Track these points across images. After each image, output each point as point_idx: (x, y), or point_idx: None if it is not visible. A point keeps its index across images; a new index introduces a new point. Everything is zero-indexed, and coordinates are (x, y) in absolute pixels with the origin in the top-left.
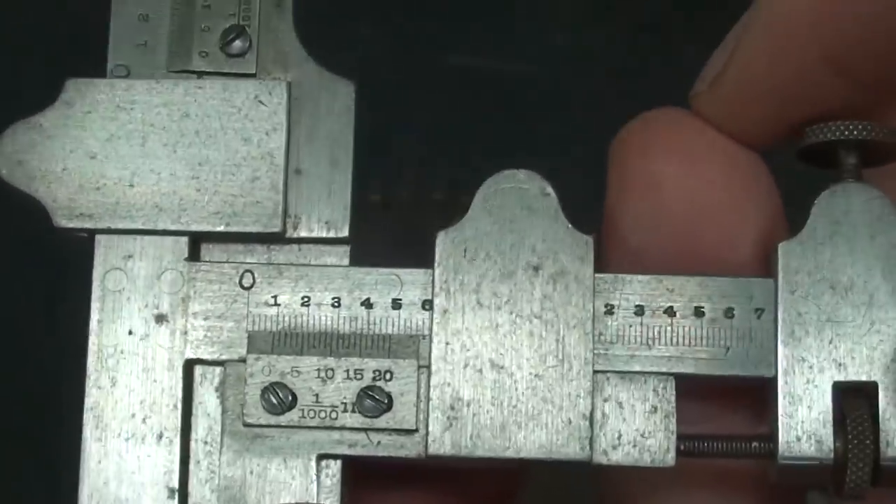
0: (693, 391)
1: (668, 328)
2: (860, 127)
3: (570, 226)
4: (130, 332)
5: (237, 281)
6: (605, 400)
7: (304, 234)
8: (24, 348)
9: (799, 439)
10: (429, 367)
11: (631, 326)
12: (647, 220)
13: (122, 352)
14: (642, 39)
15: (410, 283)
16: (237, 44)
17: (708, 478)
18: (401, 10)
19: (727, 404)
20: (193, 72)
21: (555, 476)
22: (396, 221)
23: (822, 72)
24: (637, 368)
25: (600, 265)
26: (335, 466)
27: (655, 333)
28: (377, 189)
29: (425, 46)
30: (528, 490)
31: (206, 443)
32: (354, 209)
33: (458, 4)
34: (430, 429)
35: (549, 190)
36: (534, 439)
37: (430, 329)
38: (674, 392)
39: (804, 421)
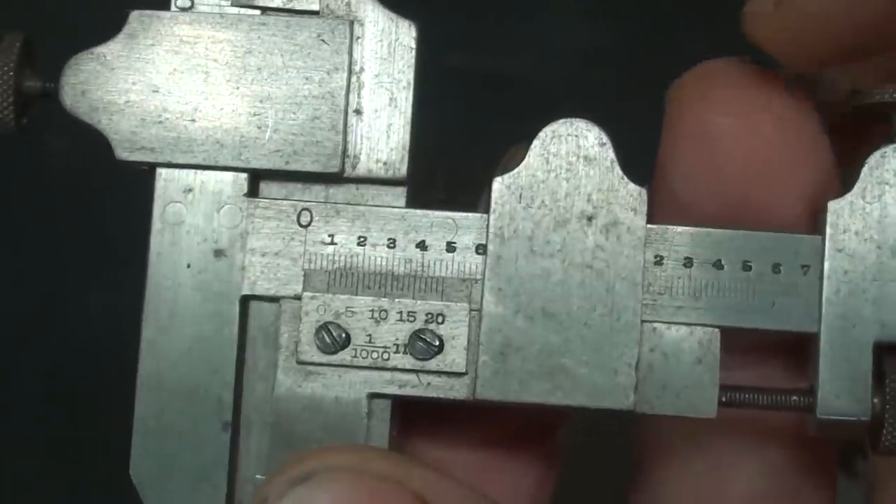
0: (732, 344)
1: (716, 281)
2: None
3: (623, 176)
4: (188, 266)
5: (295, 219)
6: (651, 350)
7: (362, 173)
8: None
9: (838, 396)
10: (480, 311)
11: (679, 278)
12: (699, 173)
13: (179, 285)
14: (644, 39)
15: (465, 227)
16: None
17: (745, 429)
18: (401, 8)
19: (762, 357)
20: (257, 7)
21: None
22: None
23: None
24: (683, 320)
25: (650, 216)
26: (385, 405)
27: (703, 286)
28: (440, 189)
29: (425, 45)
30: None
31: (259, 378)
32: (413, 151)
33: (458, 4)
34: (480, 372)
35: (606, 139)
36: (580, 387)
37: (483, 274)
38: (719, 344)
39: (844, 377)
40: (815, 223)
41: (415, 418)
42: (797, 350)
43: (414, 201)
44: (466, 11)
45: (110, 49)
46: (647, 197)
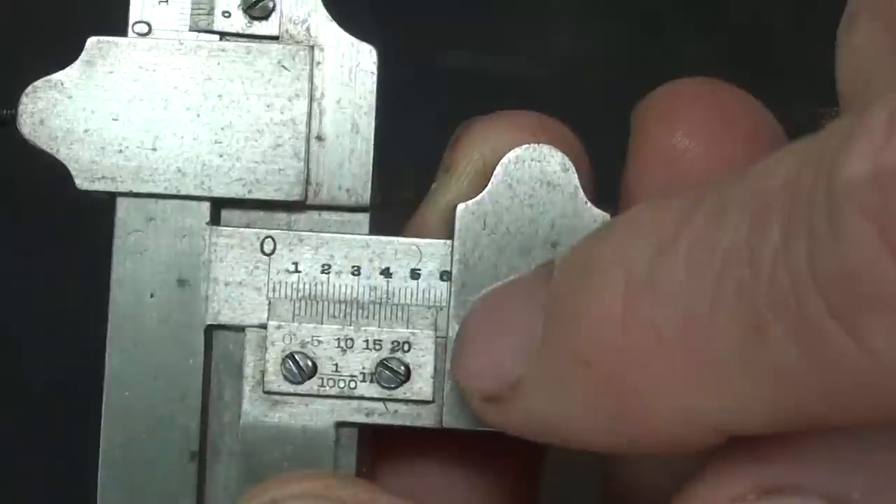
0: None
1: None
2: None
3: (588, 202)
4: (152, 296)
5: (258, 247)
6: None
7: (325, 200)
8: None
9: None
10: (446, 338)
11: None
12: (664, 192)
13: (143, 315)
14: (643, 40)
15: (430, 254)
16: (261, 5)
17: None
18: (399, 10)
19: None
20: (215, 32)
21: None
22: (396, 222)
23: None
24: None
25: None
26: (352, 433)
27: None
28: (376, 189)
29: (423, 46)
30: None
31: (226, 408)
32: (375, 177)
33: (458, 4)
34: (446, 400)
35: (569, 165)
36: None
37: (448, 301)
38: None
39: None
40: None
41: (386, 444)
42: None
43: (377, 228)
44: (466, 12)
45: (68, 76)
46: None
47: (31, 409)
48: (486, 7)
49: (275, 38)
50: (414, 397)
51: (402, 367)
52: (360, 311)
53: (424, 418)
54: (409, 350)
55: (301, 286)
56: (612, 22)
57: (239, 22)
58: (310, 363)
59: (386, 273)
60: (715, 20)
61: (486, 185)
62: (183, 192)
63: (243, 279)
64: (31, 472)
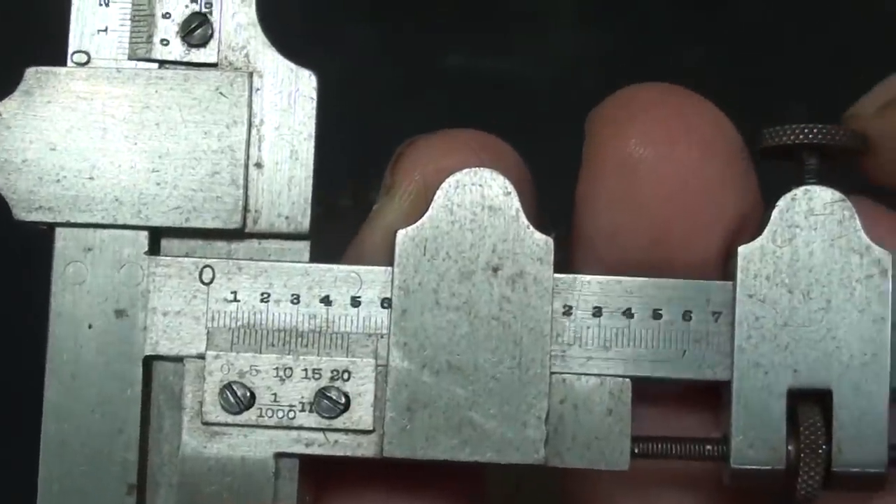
0: (652, 393)
1: (626, 330)
2: (822, 130)
3: (529, 226)
4: (90, 326)
5: (197, 276)
6: (561, 402)
7: (264, 228)
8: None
9: (752, 445)
10: (386, 366)
11: (589, 328)
12: (621, 203)
13: (81, 346)
14: (643, 40)
15: (370, 281)
16: (199, 32)
17: (665, 477)
18: (399, 10)
19: (685, 406)
20: (154, 60)
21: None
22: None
23: None
24: (594, 370)
25: (568, 248)
26: (293, 464)
27: (613, 335)
28: (377, 189)
29: (422, 47)
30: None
31: (165, 439)
32: (315, 204)
33: (457, 4)
34: (387, 429)
35: (511, 189)
36: (489, 442)
37: (389, 328)
38: (630, 394)
39: (758, 426)
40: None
41: (329, 473)
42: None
43: (317, 256)
44: (465, 12)
45: (6, 107)
46: (556, 245)
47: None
48: (485, 7)
49: (213, 66)
50: (354, 426)
51: (342, 397)
52: (300, 339)
53: (365, 448)
54: (348, 379)
55: (240, 315)
56: (610, 23)
57: (177, 50)
58: (248, 393)
59: (326, 301)
60: (713, 21)
61: (427, 206)
62: (120, 222)
63: (182, 309)
64: None
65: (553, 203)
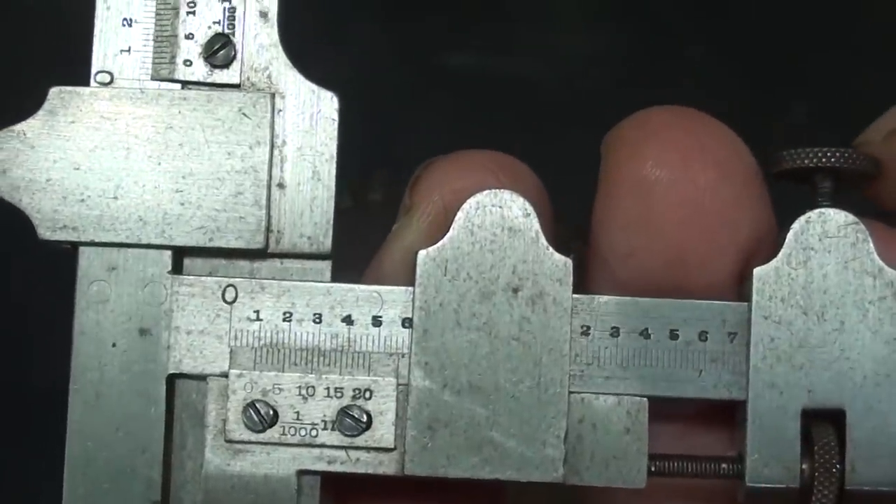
0: (668, 411)
1: (643, 350)
2: (837, 154)
3: (549, 248)
4: (114, 345)
5: (220, 295)
6: (580, 421)
7: (286, 248)
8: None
9: (767, 464)
10: (407, 385)
11: (606, 348)
12: (636, 224)
13: (105, 364)
14: (644, 39)
15: (391, 301)
16: (222, 54)
17: (680, 493)
18: (400, 11)
19: (701, 425)
20: (177, 80)
21: None
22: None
23: None
24: (612, 390)
25: (584, 267)
26: (315, 481)
27: (630, 355)
28: (377, 189)
29: (425, 47)
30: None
31: (188, 457)
32: (336, 224)
33: (458, 4)
34: (408, 448)
35: (530, 210)
36: (508, 460)
37: (410, 348)
38: (646, 413)
39: (772, 445)
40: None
41: (350, 490)
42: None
43: (339, 275)
44: (466, 12)
45: (30, 126)
46: (575, 266)
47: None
48: (486, 7)
49: (236, 87)
50: (376, 445)
51: (364, 415)
52: (322, 358)
53: (386, 466)
54: (370, 397)
55: (262, 334)
56: (614, 22)
57: (200, 70)
58: (271, 411)
59: (347, 320)
60: (716, 22)
61: (447, 227)
62: (144, 241)
63: (205, 328)
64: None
65: (556, 201)
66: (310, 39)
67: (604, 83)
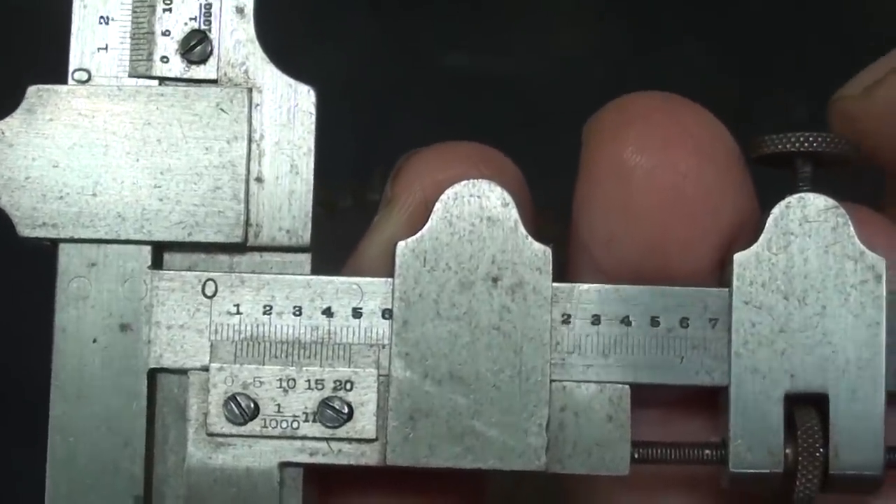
0: (651, 398)
1: (625, 338)
2: (817, 138)
3: (528, 237)
4: (95, 341)
5: (200, 289)
6: (562, 409)
7: (265, 242)
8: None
9: (750, 448)
10: (388, 376)
11: (588, 336)
12: (617, 210)
13: (86, 360)
14: (645, 38)
15: (371, 292)
16: (198, 49)
17: (664, 479)
18: (398, 10)
19: (684, 411)
20: (154, 77)
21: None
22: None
23: None
24: (593, 378)
25: (565, 254)
26: (297, 473)
27: (611, 343)
28: (377, 189)
29: (423, 47)
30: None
31: (170, 451)
32: (315, 216)
33: (458, 4)
34: (390, 438)
35: (509, 200)
36: (491, 449)
37: (390, 339)
38: (629, 401)
39: (755, 430)
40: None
41: (332, 482)
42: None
43: (318, 268)
44: (466, 12)
45: (9, 125)
46: (554, 255)
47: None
48: (486, 7)
49: (213, 82)
50: (357, 436)
51: (345, 406)
52: (302, 351)
53: (368, 457)
54: (351, 389)
55: (243, 328)
56: (612, 22)
57: (177, 66)
58: (252, 404)
59: (327, 312)
60: (715, 20)
61: (427, 218)
62: (123, 237)
63: (185, 322)
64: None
65: (554, 202)
66: (307, 39)
67: (600, 82)
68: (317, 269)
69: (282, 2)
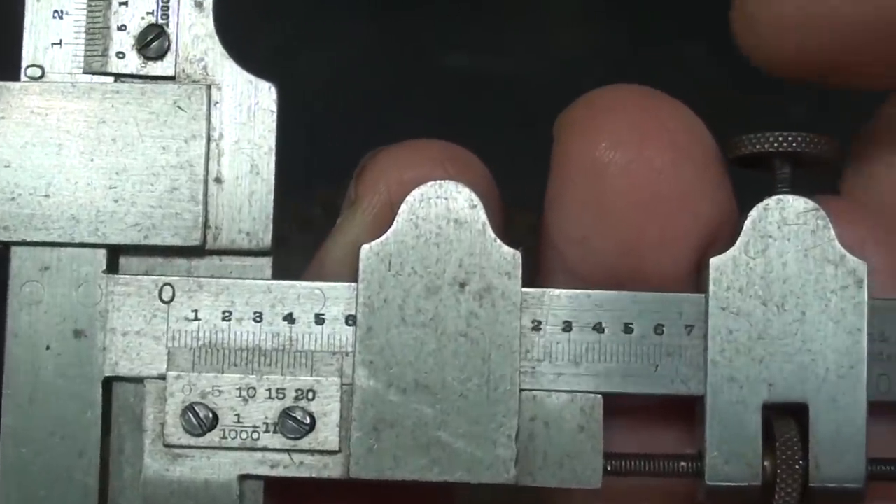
0: (624, 408)
1: (597, 345)
2: (797, 138)
3: (497, 240)
4: (48, 348)
5: (156, 295)
6: (532, 419)
7: (224, 245)
8: None
9: (727, 461)
10: (352, 385)
11: (559, 343)
12: (589, 209)
13: (39, 368)
14: (644, 38)
15: (334, 297)
16: (155, 45)
17: (639, 493)
18: (398, 10)
19: (659, 422)
20: (110, 73)
21: None
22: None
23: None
24: (564, 387)
25: (537, 256)
26: (257, 486)
27: (583, 350)
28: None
29: (423, 47)
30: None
31: (126, 462)
32: (276, 219)
33: (457, 4)
34: (353, 450)
35: (477, 201)
36: (458, 461)
37: (354, 346)
38: (601, 411)
39: (733, 441)
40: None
41: (294, 495)
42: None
43: (279, 273)
44: (466, 12)
45: None
46: (524, 259)
47: None
48: (486, 7)
49: (171, 79)
50: (320, 447)
51: (307, 417)
52: (263, 358)
53: (331, 469)
54: (313, 398)
55: (201, 334)
56: (612, 22)
57: (133, 63)
58: (210, 414)
59: (289, 319)
60: (714, 21)
61: (392, 220)
62: (78, 240)
63: (141, 328)
64: None
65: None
66: (307, 39)
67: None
68: (278, 274)
69: (281, 2)
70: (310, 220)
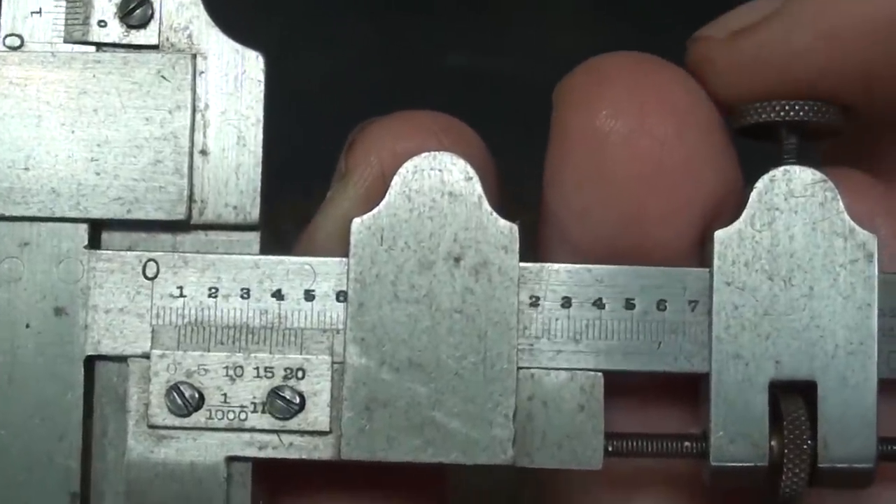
0: (625, 387)
1: (597, 321)
2: (804, 107)
3: (493, 213)
4: (28, 326)
5: (140, 271)
6: (530, 399)
7: (210, 219)
8: None
9: (733, 441)
10: (343, 363)
11: (557, 320)
12: (590, 180)
13: (18, 347)
14: (643, 40)
15: (324, 273)
16: (138, 13)
17: (642, 474)
18: (398, 10)
19: (662, 400)
20: (92, 43)
21: None
22: None
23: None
24: (563, 364)
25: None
26: (245, 468)
27: (583, 327)
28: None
29: (422, 46)
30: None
31: (109, 444)
32: (265, 193)
33: (457, 4)
34: (344, 430)
35: (472, 173)
36: (453, 442)
37: (345, 323)
38: (602, 389)
39: (738, 421)
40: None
41: (283, 476)
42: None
43: (267, 248)
44: (466, 12)
45: None
46: (521, 232)
47: None
48: (486, 7)
49: (154, 48)
50: (309, 428)
51: (297, 396)
52: (250, 336)
53: (322, 450)
54: (303, 377)
55: (186, 312)
56: (612, 22)
57: (116, 31)
58: (196, 394)
59: (278, 295)
60: (714, 18)
61: (384, 193)
62: (58, 214)
63: (125, 305)
64: None
65: None
66: (307, 39)
67: None
68: (266, 249)
69: (281, 2)
70: (309, 219)
